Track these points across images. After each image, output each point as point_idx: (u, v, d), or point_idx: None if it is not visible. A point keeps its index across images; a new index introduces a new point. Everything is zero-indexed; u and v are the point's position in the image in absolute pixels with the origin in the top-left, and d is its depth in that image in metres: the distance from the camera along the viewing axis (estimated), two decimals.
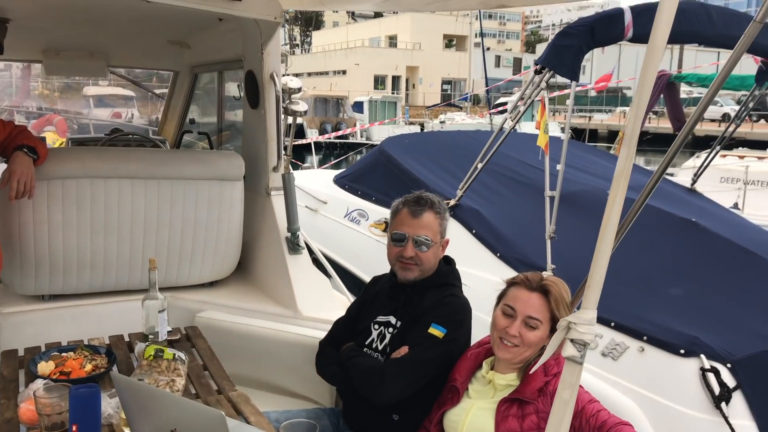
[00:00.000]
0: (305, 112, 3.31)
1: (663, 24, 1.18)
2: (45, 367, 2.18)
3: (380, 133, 29.52)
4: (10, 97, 16.73)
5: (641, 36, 4.13)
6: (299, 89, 3.29)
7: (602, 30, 4.05)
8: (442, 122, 34.84)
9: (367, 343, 2.38)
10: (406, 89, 52.95)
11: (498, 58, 55.93)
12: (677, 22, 3.59)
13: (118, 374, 1.75)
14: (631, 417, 3.28)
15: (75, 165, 2.92)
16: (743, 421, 3.03)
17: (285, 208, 3.29)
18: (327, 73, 53.71)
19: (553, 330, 1.96)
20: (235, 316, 3.10)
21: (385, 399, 2.20)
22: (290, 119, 3.37)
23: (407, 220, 2.29)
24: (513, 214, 4.98)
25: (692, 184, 5.98)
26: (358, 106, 34.16)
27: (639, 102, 1.25)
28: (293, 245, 3.25)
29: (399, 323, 2.33)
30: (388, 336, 2.34)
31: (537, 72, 4.41)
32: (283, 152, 3.35)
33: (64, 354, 2.29)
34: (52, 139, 7.10)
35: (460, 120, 32.32)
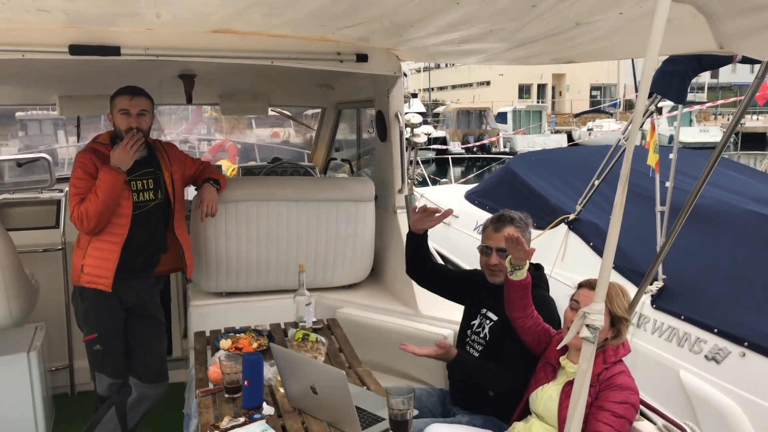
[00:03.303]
0: (425, 143, 3.92)
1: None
2: (225, 343, 2.96)
3: (524, 144, 29.42)
4: (186, 120, 19.01)
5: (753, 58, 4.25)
6: (420, 124, 3.91)
7: (708, 55, 4.24)
8: (589, 130, 33.89)
9: (471, 324, 2.96)
10: (552, 97, 51.95)
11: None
12: None
13: (275, 345, 2.44)
14: (732, 417, 3.49)
15: (245, 191, 3.75)
16: None
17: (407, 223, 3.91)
18: (471, 84, 54.09)
19: (611, 322, 2.40)
20: (368, 313, 3.75)
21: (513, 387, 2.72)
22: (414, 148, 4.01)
23: (491, 235, 2.82)
24: (631, 227, 5.16)
25: None
26: (501, 117, 34.19)
27: (631, 140, 1.70)
28: None
29: (497, 317, 2.84)
30: (487, 327, 2.86)
31: (647, 96, 4.69)
32: (407, 176, 3.97)
33: (237, 334, 3.07)
34: (226, 166, 8.32)
35: (608, 127, 31.30)
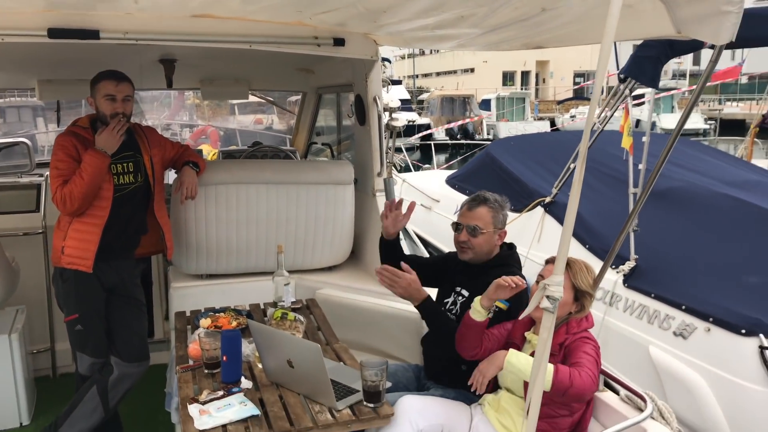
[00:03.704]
0: (404, 127, 4.00)
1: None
2: (204, 322, 3.03)
3: (508, 130, 29.58)
4: (169, 107, 18.93)
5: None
6: (399, 108, 3.98)
7: (681, 41, 4.33)
8: (572, 117, 34.09)
9: (445, 302, 3.03)
10: (536, 84, 52.16)
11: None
12: (745, 27, 4.04)
13: (253, 321, 2.52)
14: (697, 389, 3.62)
15: (225, 174, 3.80)
16: None
17: None
18: (455, 71, 54.13)
19: (575, 296, 2.51)
20: (347, 293, 3.83)
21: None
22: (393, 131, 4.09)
23: (465, 213, 2.91)
24: (605, 209, 5.32)
25: None
26: (485, 104, 34.26)
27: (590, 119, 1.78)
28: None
29: (468, 293, 2.94)
30: (459, 302, 2.96)
31: (621, 81, 4.80)
32: (386, 160, 4.04)
33: (217, 314, 3.14)
34: (207, 150, 8.34)
35: None
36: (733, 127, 28.44)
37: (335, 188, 3.96)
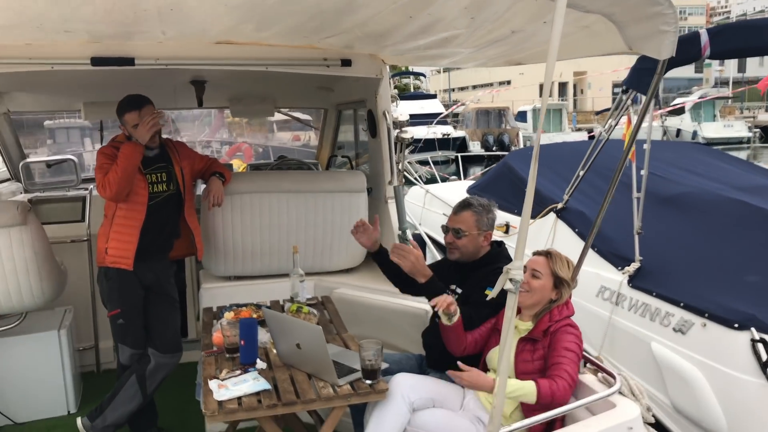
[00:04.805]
0: (412, 138, 4.32)
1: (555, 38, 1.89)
2: (228, 314, 3.39)
3: (544, 142, 29.54)
4: (209, 125, 19.64)
5: (719, 53, 4.54)
6: (407, 122, 4.31)
7: (679, 52, 4.55)
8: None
9: None
10: (574, 95, 51.87)
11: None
12: (742, 39, 4.31)
13: (268, 309, 2.85)
14: (695, 382, 3.81)
15: (249, 184, 4.18)
16: None
17: (396, 212, 4.31)
18: (491, 84, 54.27)
19: (555, 283, 2.77)
20: (360, 292, 4.14)
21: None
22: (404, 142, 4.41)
23: (451, 217, 3.19)
24: (614, 213, 5.50)
25: None
26: (521, 116, 34.24)
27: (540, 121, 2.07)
28: (402, 240, 4.25)
29: (462, 291, 3.22)
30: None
31: (623, 92, 5.04)
32: (396, 169, 4.36)
33: (240, 308, 3.50)
34: (237, 165, 8.82)
35: None
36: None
37: (349, 196, 4.29)
